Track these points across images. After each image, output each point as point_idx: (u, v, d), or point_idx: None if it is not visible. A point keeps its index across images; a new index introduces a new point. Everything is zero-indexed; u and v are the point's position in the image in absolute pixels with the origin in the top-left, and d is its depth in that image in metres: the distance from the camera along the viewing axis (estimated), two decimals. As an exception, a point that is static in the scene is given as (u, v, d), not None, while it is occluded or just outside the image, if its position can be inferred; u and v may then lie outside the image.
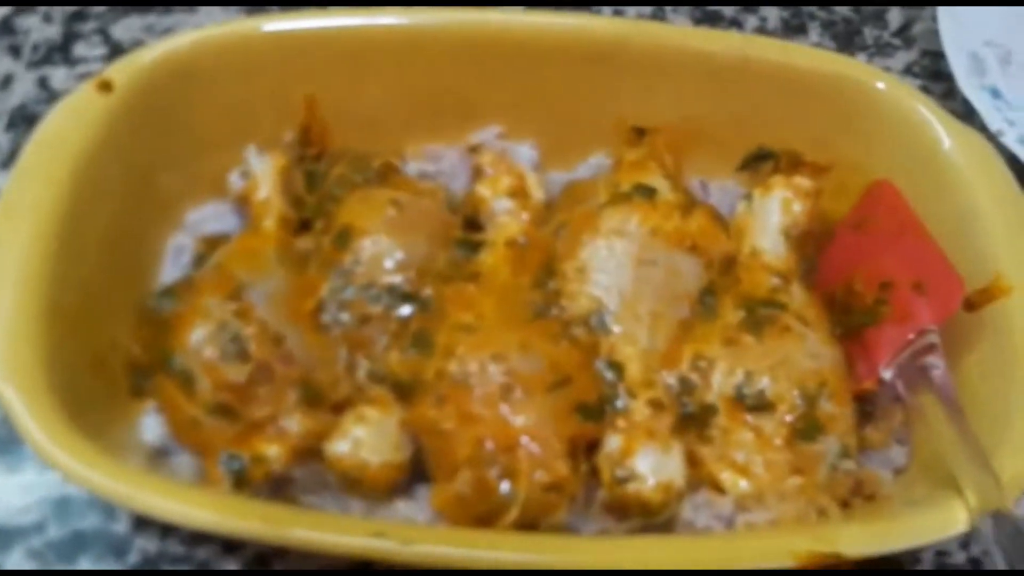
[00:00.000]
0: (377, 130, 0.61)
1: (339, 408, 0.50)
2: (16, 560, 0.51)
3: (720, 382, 0.51)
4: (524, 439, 0.47)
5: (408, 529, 0.43)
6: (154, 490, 0.42)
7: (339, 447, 0.49)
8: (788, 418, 0.50)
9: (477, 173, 0.59)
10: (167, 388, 0.50)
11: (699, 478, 0.50)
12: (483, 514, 0.47)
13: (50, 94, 0.70)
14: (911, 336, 0.51)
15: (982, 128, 0.66)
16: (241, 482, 0.48)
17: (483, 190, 0.58)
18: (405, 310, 0.52)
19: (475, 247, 0.56)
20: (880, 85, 0.58)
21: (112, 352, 0.51)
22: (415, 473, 0.50)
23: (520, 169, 0.59)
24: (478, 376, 0.49)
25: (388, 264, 0.53)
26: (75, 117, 0.53)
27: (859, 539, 0.43)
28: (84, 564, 0.51)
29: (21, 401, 0.43)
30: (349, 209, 0.56)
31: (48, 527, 0.52)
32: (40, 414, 0.43)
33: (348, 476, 0.49)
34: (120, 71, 0.54)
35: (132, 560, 0.51)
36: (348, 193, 0.57)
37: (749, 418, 0.50)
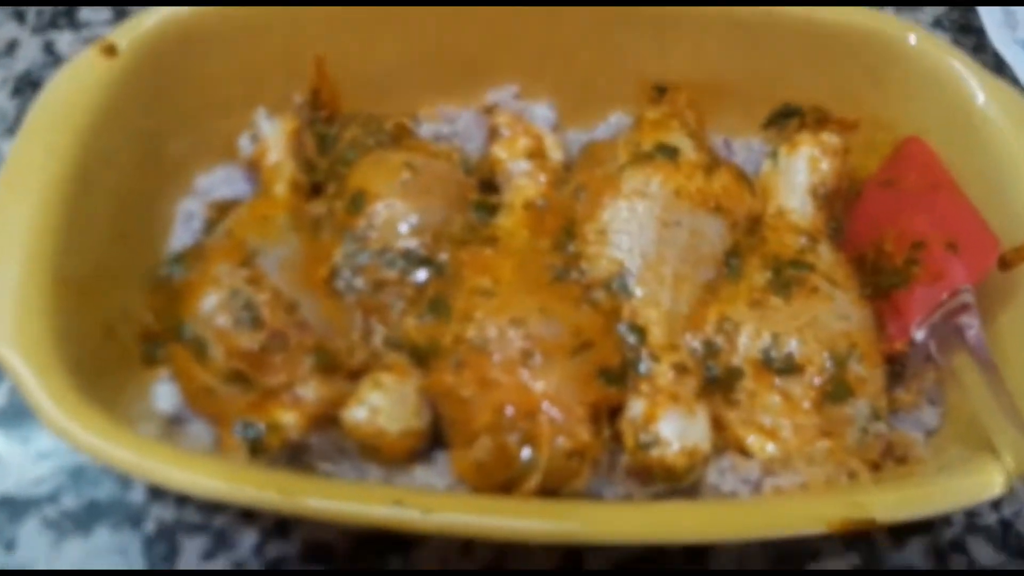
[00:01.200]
0: (390, 91, 0.59)
1: (355, 375, 0.49)
2: (31, 530, 0.50)
3: (746, 345, 0.49)
4: (545, 404, 0.46)
5: (428, 497, 0.41)
6: (167, 460, 0.41)
7: (356, 414, 0.48)
8: (817, 381, 0.48)
9: (493, 134, 0.58)
10: (180, 356, 0.49)
11: (725, 442, 0.49)
12: (504, 481, 0.46)
13: (56, 59, 0.68)
14: (944, 296, 0.49)
15: (1013, 82, 0.63)
16: (257, 450, 0.47)
17: (499, 152, 0.57)
18: (421, 275, 0.51)
19: (492, 210, 0.54)
20: (911, 39, 0.56)
21: (123, 321, 0.50)
22: (434, 439, 0.49)
23: (537, 130, 0.58)
24: (497, 341, 0.48)
25: (403, 228, 0.52)
26: (79, 82, 0.51)
27: (893, 504, 0.41)
28: (100, 533, 0.50)
29: (30, 372, 0.42)
30: (362, 173, 0.55)
31: (63, 496, 0.51)
32: (49, 385, 0.42)
33: (366, 443, 0.48)
34: (124, 34, 0.53)
35: (149, 529, 0.51)
36: (361, 156, 0.56)
37: (776, 381, 0.48)
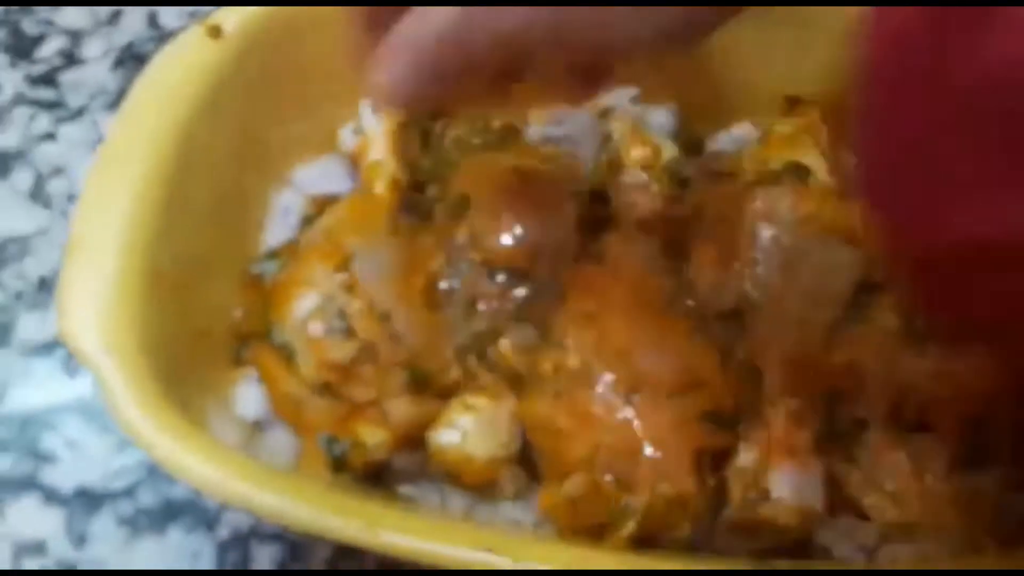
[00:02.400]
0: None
1: (446, 394, 0.46)
2: (104, 525, 0.49)
3: (873, 396, 0.45)
4: (647, 446, 0.43)
5: (519, 545, 0.39)
6: (246, 478, 0.39)
7: (444, 437, 0.45)
8: (951, 442, 0.44)
9: (607, 141, 0.54)
10: (268, 360, 0.47)
11: (842, 502, 0.44)
12: (595, 524, 0.43)
13: (160, 32, 0.67)
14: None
15: None
16: (340, 467, 0.45)
17: (612, 161, 0.53)
18: (522, 292, 0.48)
19: (603, 225, 0.51)
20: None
21: (216, 319, 0.48)
22: (525, 470, 0.46)
23: (655, 138, 0.54)
24: (600, 372, 0.44)
25: (506, 240, 0.49)
26: (184, 63, 0.50)
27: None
28: (174, 534, 0.49)
29: (116, 374, 0.41)
30: (466, 176, 0.52)
31: (139, 492, 0.50)
32: (132, 392, 0.40)
33: (451, 468, 0.45)
34: (230, 15, 0.51)
35: (222, 534, 0.49)
36: (465, 157, 0.53)
37: (904, 439, 0.44)
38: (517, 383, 0.46)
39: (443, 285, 0.48)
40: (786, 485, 0.43)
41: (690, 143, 0.55)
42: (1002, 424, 0.44)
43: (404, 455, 0.46)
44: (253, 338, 0.48)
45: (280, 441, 0.47)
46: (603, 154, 0.54)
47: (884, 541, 0.44)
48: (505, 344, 0.47)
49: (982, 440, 0.44)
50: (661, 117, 0.56)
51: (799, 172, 0.50)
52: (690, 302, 0.47)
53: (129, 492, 0.50)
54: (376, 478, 0.46)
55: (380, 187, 0.52)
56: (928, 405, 0.44)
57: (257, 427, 0.47)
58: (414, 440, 0.46)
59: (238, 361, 0.49)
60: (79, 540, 0.49)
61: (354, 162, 0.54)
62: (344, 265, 0.48)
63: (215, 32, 0.50)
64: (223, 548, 0.49)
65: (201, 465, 0.39)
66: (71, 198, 0.61)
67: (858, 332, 0.47)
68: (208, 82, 0.49)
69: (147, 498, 0.50)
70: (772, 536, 0.43)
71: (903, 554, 0.43)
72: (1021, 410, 0.45)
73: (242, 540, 0.49)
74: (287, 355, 0.46)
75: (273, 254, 0.51)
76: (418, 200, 0.52)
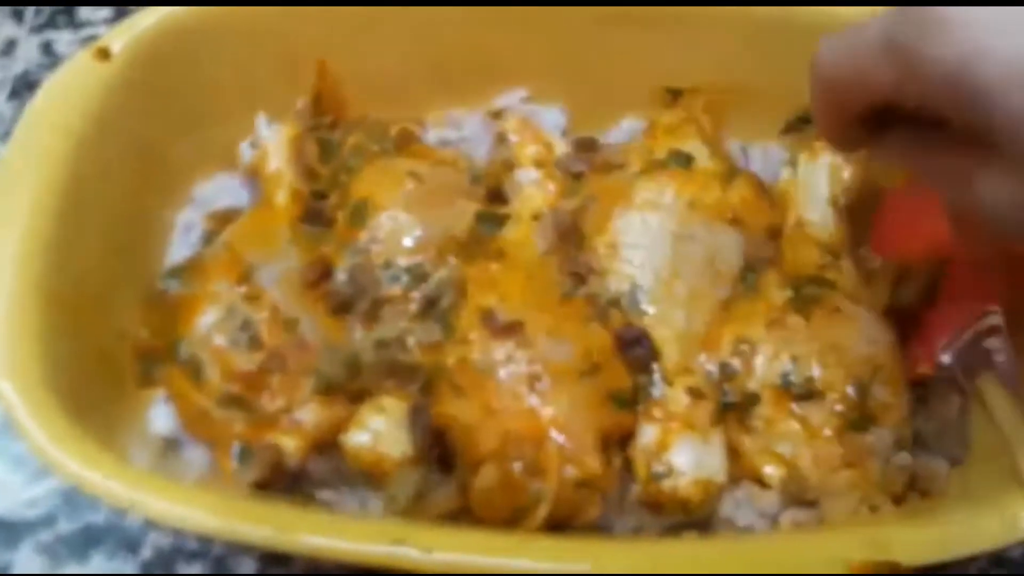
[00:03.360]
0: (395, 95, 0.57)
1: (357, 397, 0.47)
2: (25, 556, 0.49)
3: (764, 368, 0.47)
4: (553, 432, 0.44)
5: (429, 534, 0.40)
6: (159, 494, 0.40)
7: (357, 439, 0.46)
8: (838, 407, 0.46)
9: (501, 140, 0.56)
10: (175, 377, 0.48)
11: (740, 471, 0.46)
12: (511, 512, 0.44)
13: (55, 59, 0.66)
14: (974, 317, 0.47)
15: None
16: (254, 477, 0.45)
17: (507, 159, 0.54)
18: (424, 291, 0.49)
19: (499, 221, 0.52)
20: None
21: (119, 340, 0.49)
22: (440, 464, 0.47)
23: (547, 136, 0.55)
24: (503, 363, 0.46)
25: (407, 242, 0.50)
26: (73, 87, 0.50)
27: (918, 545, 0.39)
28: (96, 560, 0.49)
29: (20, 400, 0.41)
30: (365, 182, 0.53)
31: (58, 521, 0.50)
32: (39, 414, 0.41)
33: (367, 470, 0.46)
34: (118, 37, 0.51)
35: (145, 555, 0.49)
36: (364, 164, 0.54)
37: (795, 407, 0.46)
38: (425, 381, 0.47)
39: (347, 290, 0.49)
40: (687, 459, 0.45)
41: (582, 140, 0.56)
42: (887, 386, 0.47)
43: (320, 461, 0.47)
44: (160, 356, 0.48)
45: (194, 457, 0.47)
46: (498, 154, 0.55)
47: (784, 507, 0.46)
48: (411, 343, 0.48)
49: (868, 403, 0.46)
50: (552, 116, 0.58)
51: (683, 160, 0.52)
52: (584, 290, 0.49)
53: (47, 521, 0.50)
54: (294, 486, 0.47)
55: (280, 198, 0.53)
56: (816, 373, 0.46)
57: (171, 445, 0.48)
58: (329, 445, 0.47)
59: (147, 380, 0.49)
60: (2, 572, 0.48)
61: (253, 175, 0.55)
62: (246, 277, 0.48)
63: (103, 55, 0.51)
64: (148, 569, 0.49)
65: (110, 484, 0.40)
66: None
67: (747, 308, 0.49)
68: (98, 104, 0.50)
69: (66, 526, 0.50)
70: (679, 510, 0.45)
71: (803, 518, 0.45)
72: (903, 369, 0.48)
73: (166, 560, 0.49)
74: (194, 370, 0.47)
75: (176, 271, 0.51)
76: (319, 208, 0.53)
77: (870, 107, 0.34)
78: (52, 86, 0.50)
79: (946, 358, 0.48)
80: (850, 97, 0.34)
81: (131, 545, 0.49)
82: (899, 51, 0.30)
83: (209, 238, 0.53)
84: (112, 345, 0.48)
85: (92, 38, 0.61)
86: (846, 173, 0.54)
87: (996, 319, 0.47)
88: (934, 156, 0.34)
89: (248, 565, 0.49)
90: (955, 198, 0.34)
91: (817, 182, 0.54)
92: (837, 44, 0.34)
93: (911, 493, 0.46)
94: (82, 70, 0.51)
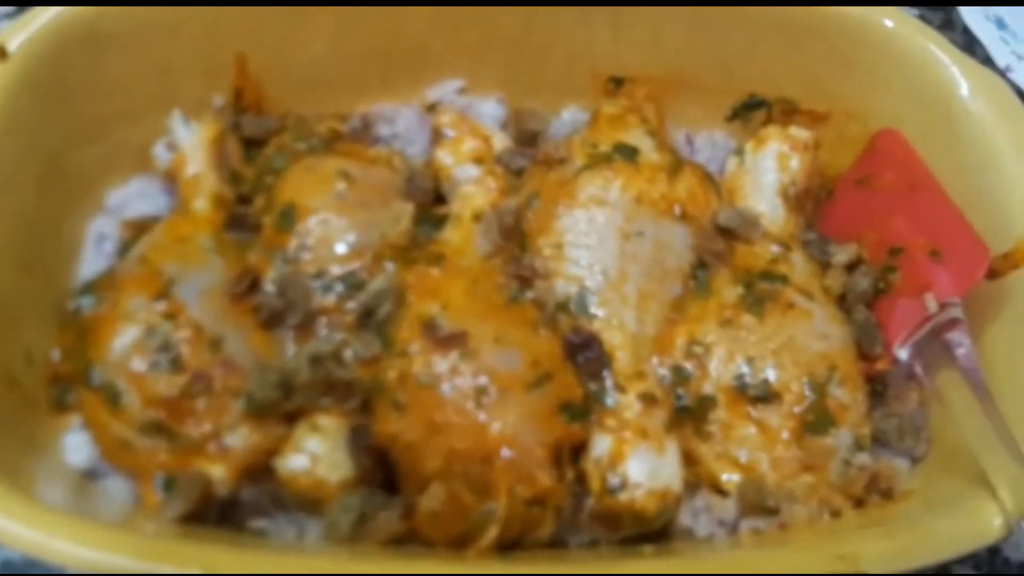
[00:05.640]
0: (321, 89, 0.54)
1: (290, 418, 0.44)
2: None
3: (718, 370, 0.45)
4: (502, 448, 0.42)
5: (370, 563, 0.37)
6: (71, 537, 0.36)
7: (292, 463, 0.43)
8: (796, 409, 0.44)
9: (436, 136, 0.53)
10: (91, 403, 0.44)
11: (697, 478, 0.45)
12: (460, 534, 0.42)
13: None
14: (930, 310, 0.46)
15: (985, 62, 0.60)
16: (181, 510, 0.42)
17: (444, 156, 0.52)
18: (360, 300, 0.46)
19: (438, 223, 0.49)
20: (887, 22, 0.52)
21: (27, 365, 0.45)
22: (384, 485, 0.44)
23: (485, 130, 0.53)
24: (447, 377, 0.43)
25: (339, 248, 0.47)
26: (-36, 91, 0.45)
27: (884, 556, 0.38)
28: (12, 600, 0.45)
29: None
30: (292, 183, 0.49)
31: (-32, 559, 0.46)
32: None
33: (303, 496, 0.43)
34: (14, 34, 0.47)
35: (66, 591, 0.46)
36: (290, 164, 0.50)
37: (752, 410, 0.45)
38: (364, 398, 0.44)
39: (277, 302, 0.46)
40: (642, 469, 0.43)
41: (523, 133, 0.54)
42: (844, 385, 0.45)
43: (252, 488, 0.44)
44: (74, 380, 0.45)
45: (115, 489, 0.44)
46: (434, 149, 0.52)
47: (743, 515, 0.44)
48: (348, 357, 0.45)
49: (826, 403, 0.45)
50: (490, 108, 0.55)
51: (628, 153, 0.50)
52: (531, 294, 0.46)
53: (-43, 561, 0.46)
54: (224, 517, 0.43)
55: (201, 203, 0.49)
56: (771, 374, 0.45)
57: (88, 477, 0.44)
58: (262, 471, 0.43)
59: (61, 407, 0.45)
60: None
61: (171, 179, 0.51)
62: (164, 291, 0.45)
63: (0, 54, 0.46)
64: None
65: (19, 528, 0.36)
66: None
67: (699, 307, 0.47)
68: (-5, 108, 0.45)
69: (-22, 564, 0.46)
70: (636, 523, 0.43)
71: (763, 525, 0.44)
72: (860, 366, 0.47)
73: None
74: (111, 396, 0.43)
75: (89, 287, 0.48)
76: (243, 213, 0.50)
77: None
78: (-59, 89, 0.46)
79: (903, 353, 0.46)
80: None
81: (51, 583, 0.46)
82: None
83: (125, 249, 0.49)
84: (20, 369, 0.44)
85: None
86: (794, 161, 0.52)
87: (957, 312, 0.46)
88: None
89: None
90: None
91: (765, 172, 0.52)
92: None
93: (872, 494, 0.45)
94: (-26, 70, 0.46)
